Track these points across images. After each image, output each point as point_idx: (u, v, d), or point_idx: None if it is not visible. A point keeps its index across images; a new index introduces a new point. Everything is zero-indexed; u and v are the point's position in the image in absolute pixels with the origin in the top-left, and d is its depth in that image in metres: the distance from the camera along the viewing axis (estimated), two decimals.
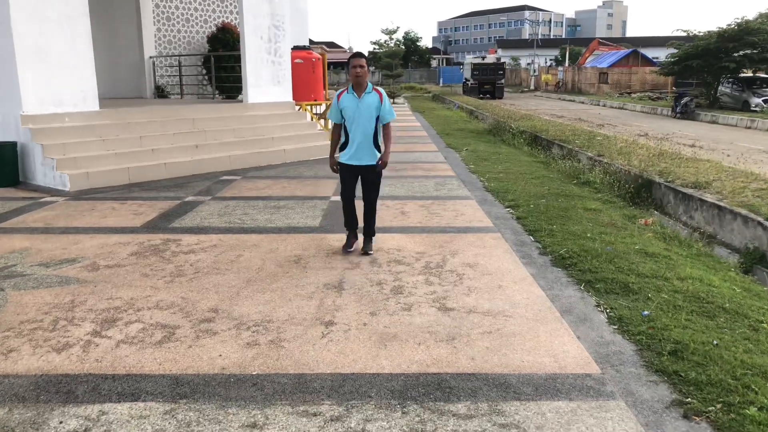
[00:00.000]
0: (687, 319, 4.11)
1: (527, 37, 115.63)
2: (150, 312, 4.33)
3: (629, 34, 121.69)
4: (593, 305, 4.47)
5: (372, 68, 54.03)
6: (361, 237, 6.04)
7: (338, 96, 5.92)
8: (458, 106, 31.07)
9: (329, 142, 6.10)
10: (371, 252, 5.86)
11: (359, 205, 5.96)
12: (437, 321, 4.15)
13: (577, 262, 5.38)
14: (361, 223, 6.03)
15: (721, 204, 7.18)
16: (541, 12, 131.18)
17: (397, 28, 36.83)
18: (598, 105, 36.15)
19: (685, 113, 25.90)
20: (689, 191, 8.05)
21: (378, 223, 6.26)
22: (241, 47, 12.92)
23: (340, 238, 6.28)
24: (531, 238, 6.31)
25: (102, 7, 16.07)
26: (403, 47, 49.95)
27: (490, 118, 21.54)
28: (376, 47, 66.70)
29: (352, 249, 5.98)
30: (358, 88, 5.74)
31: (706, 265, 5.68)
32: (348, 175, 5.91)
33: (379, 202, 6.46)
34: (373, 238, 6.02)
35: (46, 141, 9.47)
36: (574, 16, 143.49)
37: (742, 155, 13.83)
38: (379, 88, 5.97)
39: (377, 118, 5.74)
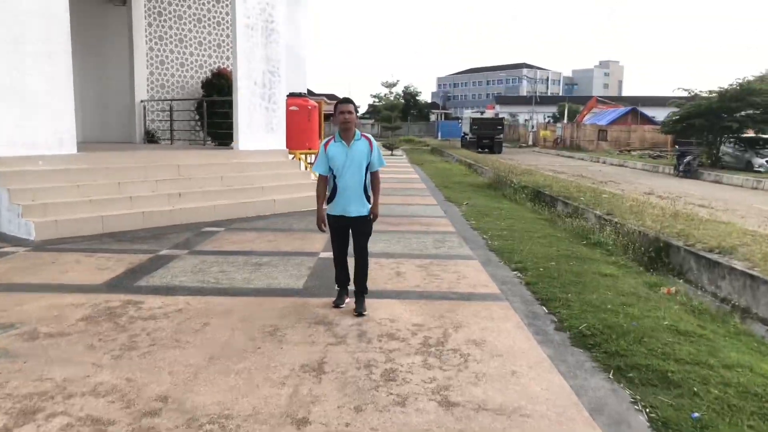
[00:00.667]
0: (750, 426, 3.30)
1: (525, 94, 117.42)
2: (83, 400, 3.51)
3: (625, 93, 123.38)
4: (628, 401, 3.66)
5: (371, 120, 54.11)
6: (353, 295, 5.46)
7: (325, 145, 5.37)
8: (457, 159, 30.67)
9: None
10: (365, 312, 5.22)
11: (351, 261, 5.37)
12: (438, 422, 3.33)
13: (602, 341, 4.58)
14: (352, 281, 5.46)
15: (755, 273, 6.43)
16: (538, 70, 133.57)
17: (397, 81, 36.92)
18: (598, 162, 35.82)
19: (688, 172, 25.45)
20: (714, 257, 7.31)
21: (371, 285, 5.53)
22: (234, 92, 12.38)
23: (325, 304, 5.50)
24: (544, 308, 5.52)
25: (94, 50, 15.65)
26: (403, 101, 50.09)
27: (490, 172, 20.99)
28: (376, 100, 67.07)
29: (343, 305, 5.43)
30: (346, 135, 5.26)
31: (749, 347, 4.88)
32: (338, 228, 5.39)
33: (373, 260, 5.78)
34: (366, 295, 5.41)
35: (14, 185, 8.74)
36: (571, 75, 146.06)
37: (758, 217, 13.16)
38: (368, 135, 5.39)
39: (367, 167, 5.28)
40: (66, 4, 9.60)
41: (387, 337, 4.69)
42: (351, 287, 5.48)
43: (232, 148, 12.80)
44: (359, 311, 5.21)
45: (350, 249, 5.45)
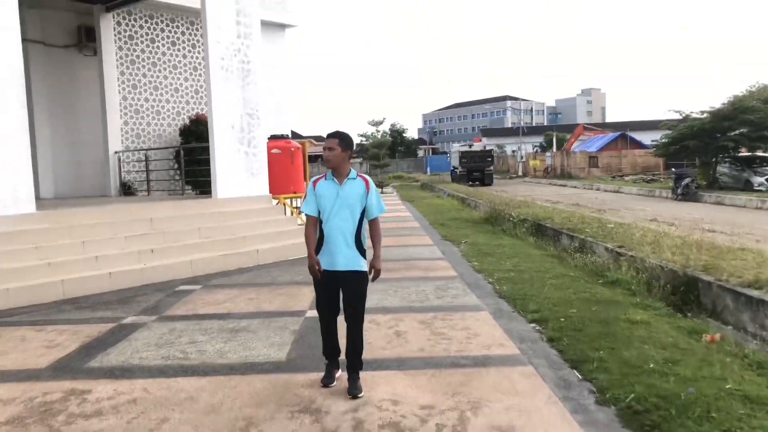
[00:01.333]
0: None
1: (510, 125, 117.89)
2: None
3: (609, 119, 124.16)
4: None
5: (360, 159, 53.55)
6: (345, 369, 4.52)
7: (314, 183, 4.53)
8: (448, 194, 29.94)
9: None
10: (360, 395, 4.27)
11: (342, 324, 4.48)
12: None
13: (660, 420, 3.64)
14: (344, 353, 4.50)
15: None
16: (522, 101, 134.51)
17: (384, 119, 36.27)
18: (592, 189, 35.19)
19: (687, 195, 24.75)
20: (755, 293, 6.42)
21: (366, 353, 4.59)
22: (210, 137, 11.55)
23: (311, 381, 4.55)
24: (577, 374, 4.59)
25: (65, 102, 14.88)
26: (390, 138, 49.67)
27: (485, 205, 20.19)
28: (363, 139, 66.74)
29: (333, 383, 4.50)
30: (338, 173, 4.45)
31: None
32: (326, 285, 4.47)
33: (368, 318, 4.87)
34: (360, 372, 4.47)
35: None
36: (554, 104, 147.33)
37: None
38: (366, 176, 4.57)
39: (362, 213, 4.43)
40: (19, 52, 8.79)
41: (390, 428, 3.73)
42: (342, 358, 4.55)
43: (210, 197, 11.91)
44: (353, 393, 4.25)
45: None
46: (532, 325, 6.01)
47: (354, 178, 4.46)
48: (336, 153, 4.39)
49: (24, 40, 14.52)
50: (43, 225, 8.84)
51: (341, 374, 4.57)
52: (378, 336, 5.70)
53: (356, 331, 4.44)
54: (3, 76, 8.53)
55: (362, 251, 4.49)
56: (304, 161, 13.02)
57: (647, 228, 12.24)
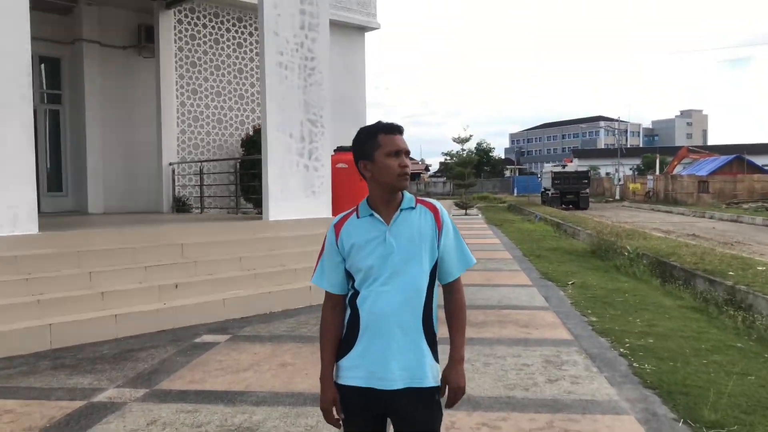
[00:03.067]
0: None
1: (603, 147, 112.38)
2: None
3: (711, 142, 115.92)
4: None
5: (443, 178, 51.28)
6: None
7: (336, 226, 2.35)
8: (540, 217, 27.09)
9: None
10: None
11: None
12: None
13: None
14: None
15: None
16: (617, 122, 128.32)
17: (470, 136, 33.62)
18: (704, 217, 31.23)
19: None
20: None
21: None
22: (263, 147, 9.67)
23: None
24: None
25: (121, 109, 13.59)
26: (476, 156, 47.12)
27: (586, 233, 17.41)
28: (447, 158, 64.48)
29: None
30: (384, 203, 2.27)
31: None
32: (362, 416, 2.28)
33: (446, 416, 2.61)
34: None
35: None
36: (651, 126, 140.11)
37: None
38: (433, 201, 2.36)
39: (434, 266, 2.26)
40: (26, 41, 7.17)
41: None
42: None
43: (261, 219, 10.00)
44: None
45: None
46: None
47: (412, 208, 2.30)
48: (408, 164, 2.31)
49: (79, 39, 13.34)
50: (43, 250, 7.11)
51: None
52: None
53: None
54: (2, 69, 6.91)
55: (433, 344, 2.29)
56: None
57: None
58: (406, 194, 2.31)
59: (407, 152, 2.29)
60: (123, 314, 6.67)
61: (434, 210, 2.30)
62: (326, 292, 2.36)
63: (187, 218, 11.41)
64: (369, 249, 2.23)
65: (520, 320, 7.19)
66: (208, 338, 6.54)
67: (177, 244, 8.18)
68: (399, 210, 2.26)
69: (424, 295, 2.24)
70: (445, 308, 2.38)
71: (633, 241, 14.14)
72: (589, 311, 7.67)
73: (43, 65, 13.57)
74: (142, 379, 5.15)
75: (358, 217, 2.30)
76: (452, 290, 2.36)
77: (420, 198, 2.36)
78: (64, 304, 6.52)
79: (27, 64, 7.12)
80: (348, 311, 2.31)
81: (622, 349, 5.89)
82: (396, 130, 2.31)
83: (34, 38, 13.45)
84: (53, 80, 13.85)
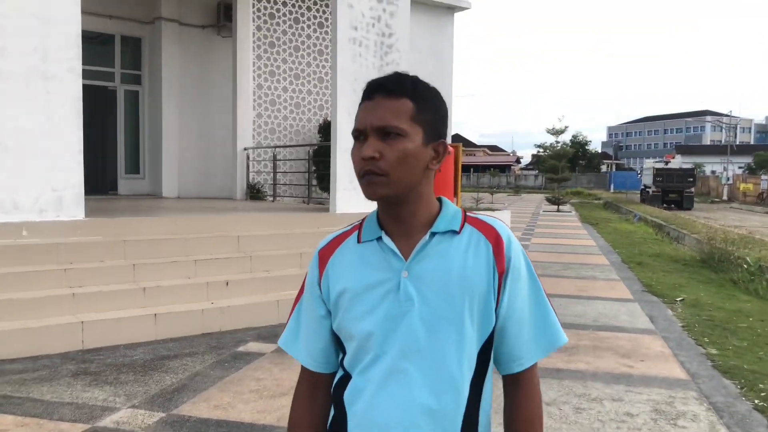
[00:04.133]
0: None
1: (709, 143, 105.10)
2: None
3: None
4: None
5: (535, 171, 48.95)
6: None
7: (322, 254, 1.26)
8: (639, 217, 24.99)
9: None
10: None
11: None
12: None
13: None
14: None
15: None
16: (727, 117, 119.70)
17: (566, 128, 31.41)
18: None
19: None
20: None
21: None
22: (332, 132, 8.86)
23: None
24: None
25: (199, 90, 13.18)
26: (571, 149, 44.55)
27: (694, 238, 15.56)
28: (540, 150, 61.97)
29: None
30: (393, 219, 1.23)
31: None
32: None
33: None
34: None
35: None
36: (764, 122, 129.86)
37: None
38: (493, 221, 1.21)
39: (487, 342, 1.14)
40: (76, 10, 6.60)
41: None
42: None
43: (328, 210, 9.18)
44: None
45: None
46: None
47: (454, 231, 1.25)
48: (399, 144, 1.24)
49: (158, 18, 13.02)
50: (88, 237, 6.56)
51: None
52: None
53: None
54: (49, 39, 6.37)
55: None
56: (455, 170, 9.80)
57: None
58: (447, 205, 1.30)
59: (387, 131, 1.23)
60: (164, 314, 6.00)
61: (494, 236, 1.25)
62: (302, 369, 1.38)
63: (254, 207, 10.77)
64: (369, 302, 1.24)
65: (621, 347, 5.96)
66: (252, 347, 5.76)
67: (233, 235, 7.47)
68: (429, 234, 1.24)
69: (466, 395, 1.22)
70: (507, 417, 1.32)
71: (751, 250, 12.34)
72: (706, 339, 6.32)
73: (124, 46, 13.35)
74: (163, 399, 4.40)
75: (358, 242, 1.31)
76: (520, 385, 1.30)
77: (472, 215, 1.32)
78: (101, 300, 5.91)
79: (76, 35, 6.54)
80: (332, 410, 1.33)
81: (757, 401, 4.59)
82: (373, 90, 1.29)
83: (116, 17, 13.40)
84: (135, 60, 13.63)
